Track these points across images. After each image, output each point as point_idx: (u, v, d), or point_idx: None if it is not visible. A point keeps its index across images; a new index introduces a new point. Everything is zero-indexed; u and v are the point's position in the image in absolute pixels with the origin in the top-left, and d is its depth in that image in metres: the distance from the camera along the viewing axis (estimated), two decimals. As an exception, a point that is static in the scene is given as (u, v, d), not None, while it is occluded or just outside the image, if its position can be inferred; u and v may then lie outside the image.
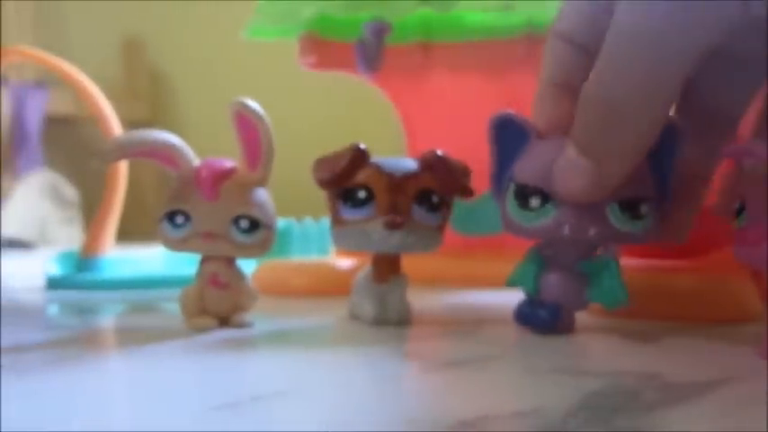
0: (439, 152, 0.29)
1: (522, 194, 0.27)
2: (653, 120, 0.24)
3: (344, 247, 0.30)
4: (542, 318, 0.28)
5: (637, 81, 0.23)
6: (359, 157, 0.29)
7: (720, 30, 0.23)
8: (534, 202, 0.27)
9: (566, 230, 0.26)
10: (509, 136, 0.27)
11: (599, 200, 0.26)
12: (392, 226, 0.28)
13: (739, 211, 0.25)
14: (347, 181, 0.29)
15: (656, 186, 0.27)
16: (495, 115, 0.28)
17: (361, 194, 0.28)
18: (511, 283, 0.29)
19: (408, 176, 0.29)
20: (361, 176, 0.29)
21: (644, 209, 0.26)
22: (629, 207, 0.26)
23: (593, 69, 0.24)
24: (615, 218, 0.26)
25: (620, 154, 0.25)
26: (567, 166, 0.25)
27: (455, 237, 0.31)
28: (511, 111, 0.28)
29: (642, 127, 0.24)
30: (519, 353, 0.26)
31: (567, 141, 0.26)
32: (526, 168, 0.27)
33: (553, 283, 0.28)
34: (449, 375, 0.23)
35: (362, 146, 0.29)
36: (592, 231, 0.26)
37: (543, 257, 0.28)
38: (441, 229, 0.30)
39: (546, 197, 0.26)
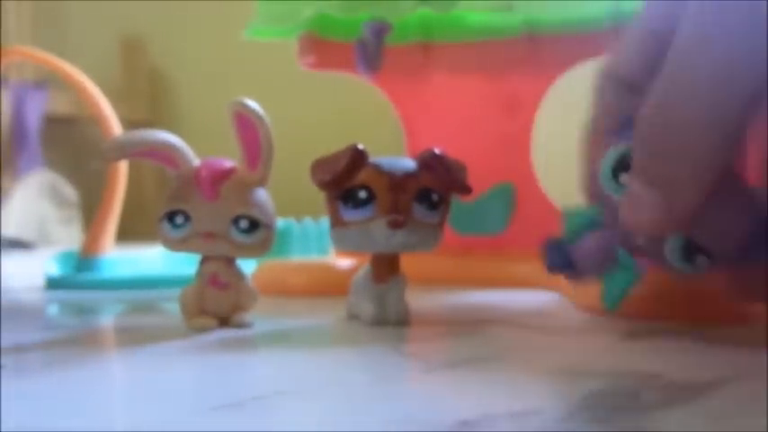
0: (436, 150, 0.29)
1: (624, 167, 0.25)
2: (716, 148, 0.23)
3: (346, 248, 0.30)
4: (552, 258, 0.28)
5: (698, 105, 0.22)
6: (358, 158, 0.29)
7: None
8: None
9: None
10: None
11: (669, 233, 0.24)
12: (395, 225, 0.28)
13: None
14: (347, 182, 0.29)
15: None
16: None
17: (362, 195, 0.28)
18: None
19: (408, 175, 0.29)
20: (362, 177, 0.29)
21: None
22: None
23: (649, 97, 0.23)
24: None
25: (685, 183, 0.23)
26: (633, 200, 0.24)
27: (455, 237, 0.31)
28: None
29: (706, 154, 0.23)
30: (519, 353, 0.26)
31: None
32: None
33: (589, 238, 0.27)
34: (449, 375, 0.23)
35: (360, 146, 0.29)
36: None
37: (595, 219, 0.27)
38: (440, 226, 0.30)
39: None
